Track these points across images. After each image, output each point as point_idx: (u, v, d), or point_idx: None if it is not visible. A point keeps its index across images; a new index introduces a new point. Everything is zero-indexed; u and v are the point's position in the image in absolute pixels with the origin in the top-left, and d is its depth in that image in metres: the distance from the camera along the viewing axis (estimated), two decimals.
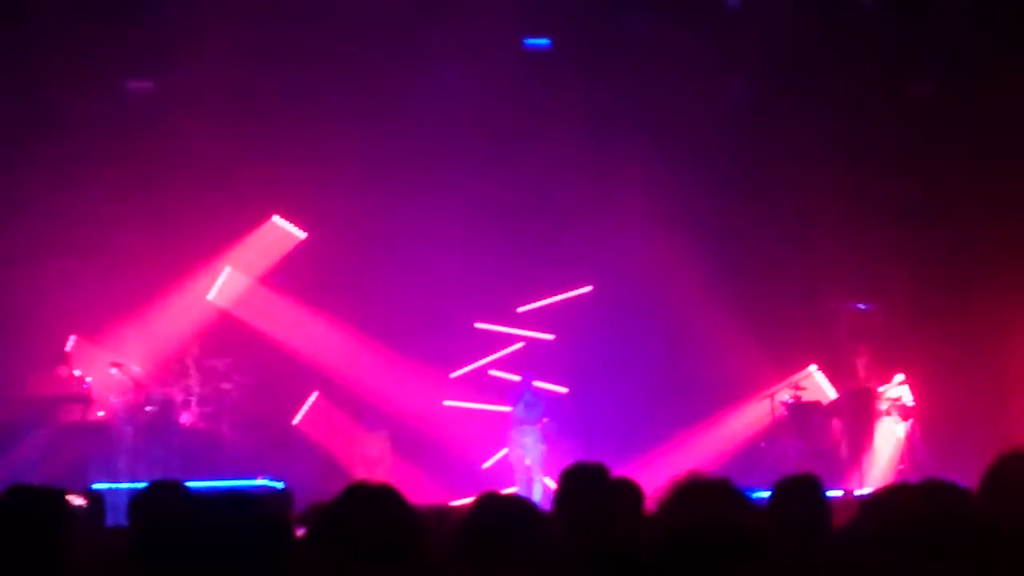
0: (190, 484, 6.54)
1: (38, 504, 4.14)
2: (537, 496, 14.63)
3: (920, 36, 15.99)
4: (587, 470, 5.34)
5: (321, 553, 3.08)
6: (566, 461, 6.46)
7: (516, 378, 16.30)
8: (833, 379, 16.29)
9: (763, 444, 15.70)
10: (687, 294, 16.15)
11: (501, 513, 3.56)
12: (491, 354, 16.97)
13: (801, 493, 5.19)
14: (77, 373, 15.16)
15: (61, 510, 4.22)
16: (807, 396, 15.70)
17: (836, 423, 15.71)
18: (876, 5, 15.67)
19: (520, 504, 3.66)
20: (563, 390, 15.86)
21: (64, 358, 15.26)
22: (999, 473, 3.96)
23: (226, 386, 15.57)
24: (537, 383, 15.61)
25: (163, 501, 5.52)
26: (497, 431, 16.15)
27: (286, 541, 2.71)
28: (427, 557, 3.19)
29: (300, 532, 3.88)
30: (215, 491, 2.70)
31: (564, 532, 4.88)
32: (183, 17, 15.40)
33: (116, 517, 12.41)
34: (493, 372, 16.90)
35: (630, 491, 5.50)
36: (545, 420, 15.23)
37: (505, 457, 15.78)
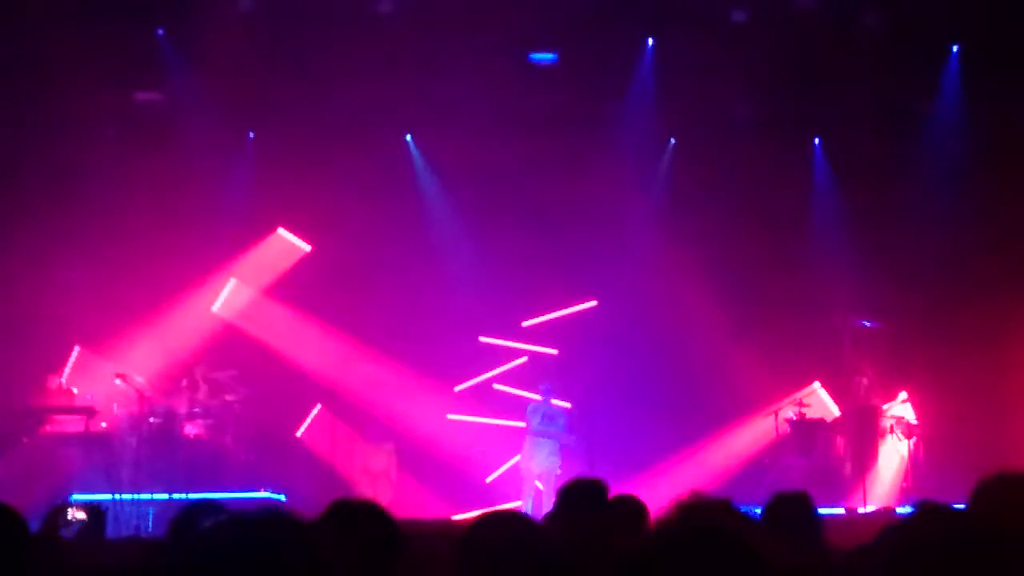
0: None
1: None
2: (544, 510, 14.59)
3: (923, 53, 16.03)
4: (585, 486, 5.32)
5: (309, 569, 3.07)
6: (570, 477, 6.48)
7: (520, 392, 16.29)
8: (837, 396, 16.26)
9: (766, 461, 15.66)
10: (691, 309, 16.16)
11: (500, 532, 3.54)
12: (495, 368, 16.96)
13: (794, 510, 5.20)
14: (65, 385, 15.17)
15: (14, 527, 4.11)
16: (811, 413, 15.67)
17: (840, 440, 15.68)
18: (880, 22, 15.68)
19: (520, 521, 3.64)
20: (566, 405, 15.83)
21: (56, 369, 15.27)
22: (984, 496, 3.95)
23: (230, 398, 15.58)
24: (555, 401, 15.53)
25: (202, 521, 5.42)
26: (501, 445, 16.13)
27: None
28: (411, 573, 3.17)
29: None
30: (248, 511, 2.68)
31: (562, 548, 4.86)
32: (190, 28, 15.48)
33: (118, 529, 12.48)
34: (497, 386, 16.89)
35: (632, 507, 5.49)
36: (571, 437, 15.13)
37: (511, 469, 15.75)
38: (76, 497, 13.16)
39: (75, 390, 15.16)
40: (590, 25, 15.68)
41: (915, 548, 2.98)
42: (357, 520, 3.27)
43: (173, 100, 16.32)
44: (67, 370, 15.52)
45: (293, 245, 17.05)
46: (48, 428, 14.69)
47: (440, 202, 17.24)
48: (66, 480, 13.83)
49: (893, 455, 15.46)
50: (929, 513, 3.11)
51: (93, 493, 13.64)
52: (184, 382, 15.53)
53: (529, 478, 15.10)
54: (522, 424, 15.42)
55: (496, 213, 16.68)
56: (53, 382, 15.15)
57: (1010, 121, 15.74)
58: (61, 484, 13.47)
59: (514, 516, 3.73)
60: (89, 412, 14.72)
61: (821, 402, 16.26)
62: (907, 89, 16.55)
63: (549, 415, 15.20)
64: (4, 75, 15.26)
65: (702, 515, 3.04)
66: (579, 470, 13.89)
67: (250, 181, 16.77)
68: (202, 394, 15.50)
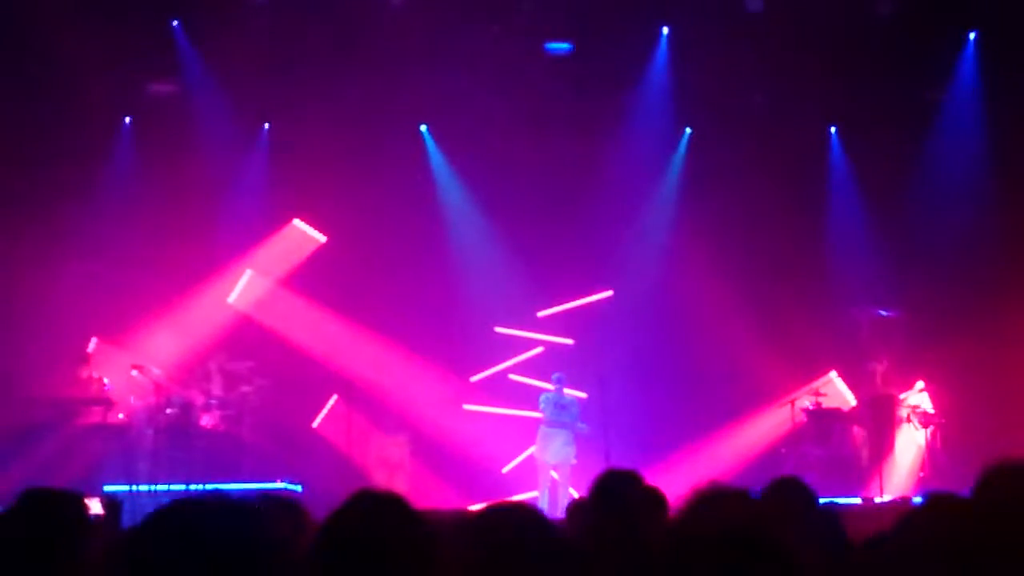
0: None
1: (55, 507, 4.11)
2: (560, 500, 14.61)
3: (939, 40, 15.96)
4: (621, 477, 5.31)
5: (326, 561, 3.06)
6: (586, 467, 6.47)
7: (536, 383, 16.28)
8: (854, 386, 16.22)
9: (783, 450, 15.63)
10: (708, 299, 16.13)
11: (508, 524, 3.53)
12: (511, 358, 16.96)
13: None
14: (96, 375, 15.21)
15: (79, 513, 4.19)
16: (828, 403, 15.63)
17: (856, 430, 15.64)
18: (895, 10, 15.62)
19: (528, 513, 3.63)
20: (580, 395, 15.82)
21: (85, 360, 15.31)
22: (988, 485, 3.93)
23: (246, 389, 15.62)
24: (568, 390, 15.52)
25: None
26: (517, 435, 16.12)
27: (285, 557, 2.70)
28: (435, 566, 3.16)
29: None
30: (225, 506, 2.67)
31: (595, 538, 4.86)
32: (205, 19, 15.50)
33: (135, 520, 12.50)
34: (513, 376, 16.88)
35: (654, 499, 5.47)
36: (581, 425, 15.11)
37: (527, 459, 15.75)
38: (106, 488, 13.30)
39: (106, 380, 15.19)
40: (605, 14, 15.65)
41: (925, 539, 2.97)
42: (378, 511, 3.25)
43: (188, 91, 16.34)
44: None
45: (308, 236, 17.07)
46: (67, 419, 14.72)
47: (455, 192, 17.24)
48: (84, 471, 13.87)
49: (910, 444, 15.41)
50: (937, 504, 3.10)
51: (111, 484, 13.72)
52: (200, 373, 15.61)
53: (544, 468, 15.10)
54: (538, 414, 15.41)
55: (511, 202, 16.67)
56: (84, 373, 15.19)
57: None
58: (78, 475, 13.51)
59: (519, 507, 3.72)
60: (107, 403, 14.77)
61: (838, 391, 16.23)
62: (924, 77, 16.49)
63: (561, 405, 15.19)
64: (21, 67, 15.29)
65: (721, 506, 3.04)
66: (595, 460, 13.89)
67: (265, 172, 16.81)
68: (218, 385, 15.56)
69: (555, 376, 15.44)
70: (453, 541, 3.42)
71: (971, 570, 2.97)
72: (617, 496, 5.14)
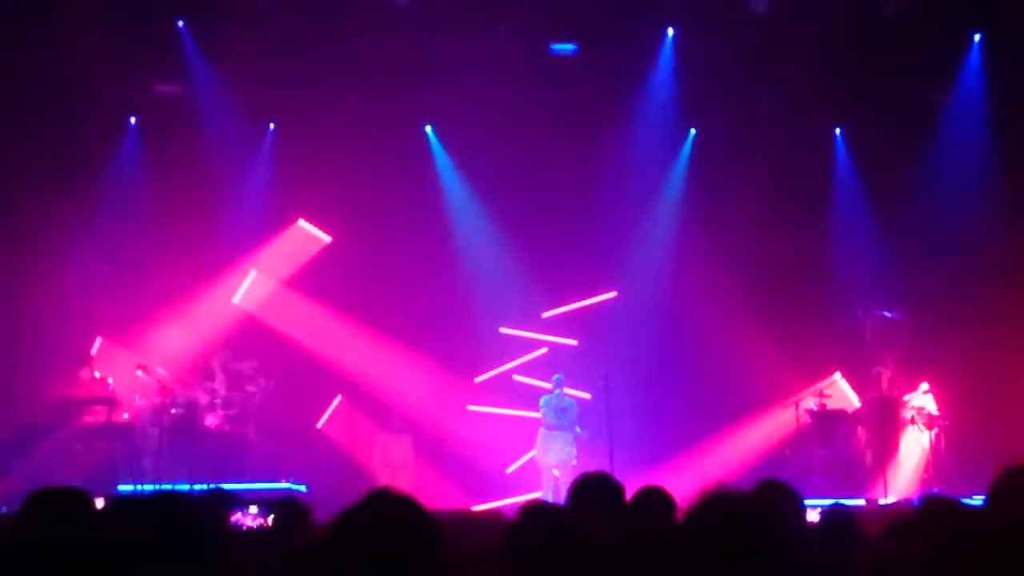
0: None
1: (65, 507, 4.12)
2: (562, 500, 14.58)
3: (940, 44, 15.96)
4: (594, 481, 5.33)
5: (340, 560, 3.07)
6: (590, 467, 6.49)
7: (541, 383, 16.28)
8: (858, 387, 16.21)
9: (787, 452, 15.63)
10: (712, 300, 16.13)
11: (546, 523, 3.56)
12: (515, 359, 16.96)
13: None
14: (98, 375, 15.23)
15: (88, 511, 4.20)
16: (832, 404, 15.62)
17: (860, 431, 15.63)
18: (900, 11, 15.61)
19: (562, 514, 3.66)
20: (584, 395, 15.82)
21: (87, 361, 15.34)
22: (1002, 487, 3.93)
23: (251, 389, 15.64)
24: (568, 391, 15.52)
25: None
26: (521, 436, 16.12)
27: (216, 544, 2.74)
28: (447, 567, 3.18)
29: None
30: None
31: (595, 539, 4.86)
32: (211, 20, 15.52)
33: None
34: (517, 377, 16.88)
35: (661, 499, 5.48)
36: (579, 430, 15.10)
37: (531, 460, 15.75)
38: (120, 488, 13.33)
39: (110, 380, 15.21)
40: (610, 15, 15.65)
41: (921, 543, 2.97)
42: (391, 513, 3.27)
43: (194, 92, 16.36)
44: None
45: (313, 236, 17.08)
46: (72, 420, 14.74)
47: (460, 193, 17.24)
48: (88, 471, 13.88)
49: (914, 446, 15.39)
50: (938, 508, 3.10)
51: (116, 484, 13.73)
52: (203, 372, 15.62)
53: (546, 469, 15.11)
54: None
55: (516, 203, 16.67)
56: (86, 374, 15.20)
57: None
58: (83, 475, 13.51)
59: (558, 509, 3.77)
60: (111, 403, 14.78)
61: (842, 393, 16.21)
62: (928, 78, 16.48)
63: (561, 408, 15.20)
64: (27, 67, 15.30)
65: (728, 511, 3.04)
66: (598, 461, 13.90)
67: (270, 172, 16.84)
68: (222, 384, 15.58)
69: (555, 378, 15.45)
70: (467, 538, 3.44)
71: (980, 572, 2.97)
72: (588, 500, 5.16)
